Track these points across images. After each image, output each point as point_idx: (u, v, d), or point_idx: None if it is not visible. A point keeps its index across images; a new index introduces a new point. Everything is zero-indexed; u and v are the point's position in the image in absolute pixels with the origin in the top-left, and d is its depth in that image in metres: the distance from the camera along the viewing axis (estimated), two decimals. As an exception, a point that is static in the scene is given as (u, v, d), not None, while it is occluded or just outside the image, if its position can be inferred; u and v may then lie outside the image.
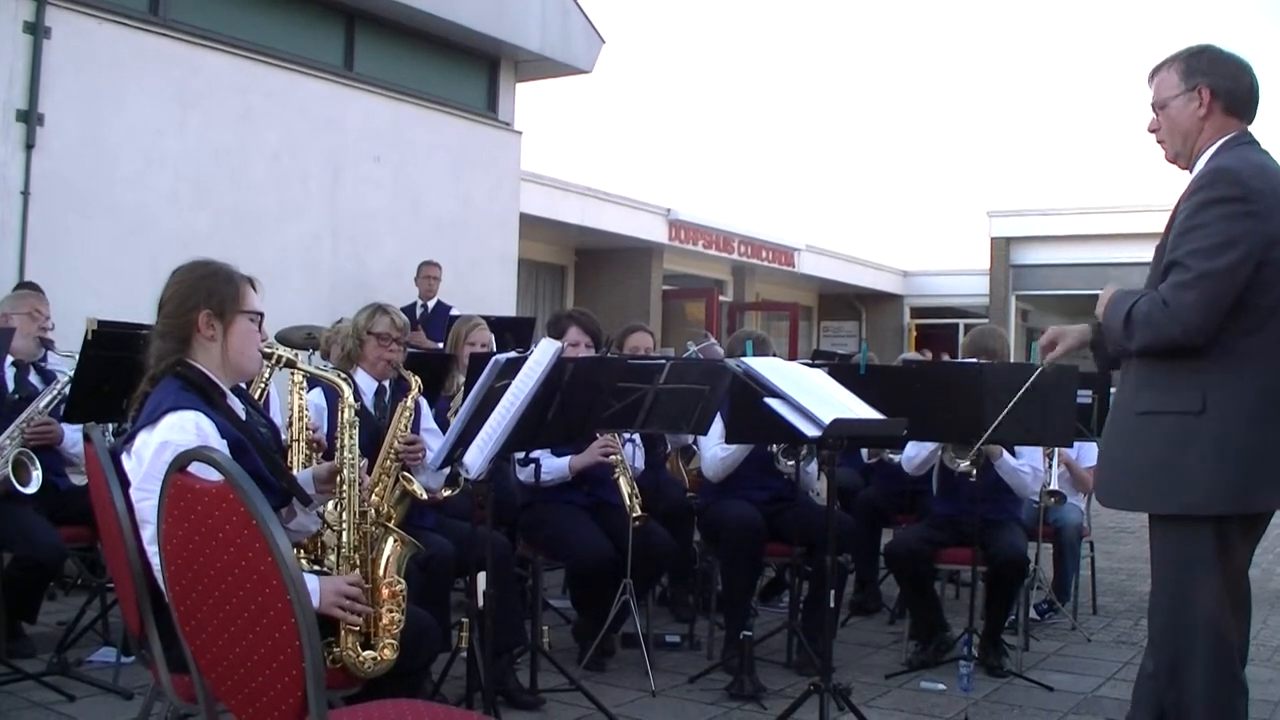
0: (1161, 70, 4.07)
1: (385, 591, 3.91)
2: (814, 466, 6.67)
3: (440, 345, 10.39)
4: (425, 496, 5.51)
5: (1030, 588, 7.08)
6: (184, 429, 3.46)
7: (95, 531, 4.37)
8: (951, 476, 6.78)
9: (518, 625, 5.72)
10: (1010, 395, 5.85)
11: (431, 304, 12.50)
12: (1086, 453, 7.94)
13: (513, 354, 4.92)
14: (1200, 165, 3.93)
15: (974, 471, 6.36)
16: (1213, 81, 3.93)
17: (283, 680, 2.57)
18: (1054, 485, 7.36)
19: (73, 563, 6.88)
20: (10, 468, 5.72)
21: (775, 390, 4.71)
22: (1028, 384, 5.31)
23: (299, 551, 4.09)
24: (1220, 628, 3.79)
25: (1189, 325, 3.69)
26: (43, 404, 5.99)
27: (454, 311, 11.86)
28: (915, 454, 6.90)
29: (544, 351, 4.79)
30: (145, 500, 3.34)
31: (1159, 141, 4.11)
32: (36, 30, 10.44)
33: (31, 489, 5.77)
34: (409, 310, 11.80)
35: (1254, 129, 3.97)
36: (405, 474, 5.44)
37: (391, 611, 3.88)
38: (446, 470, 5.68)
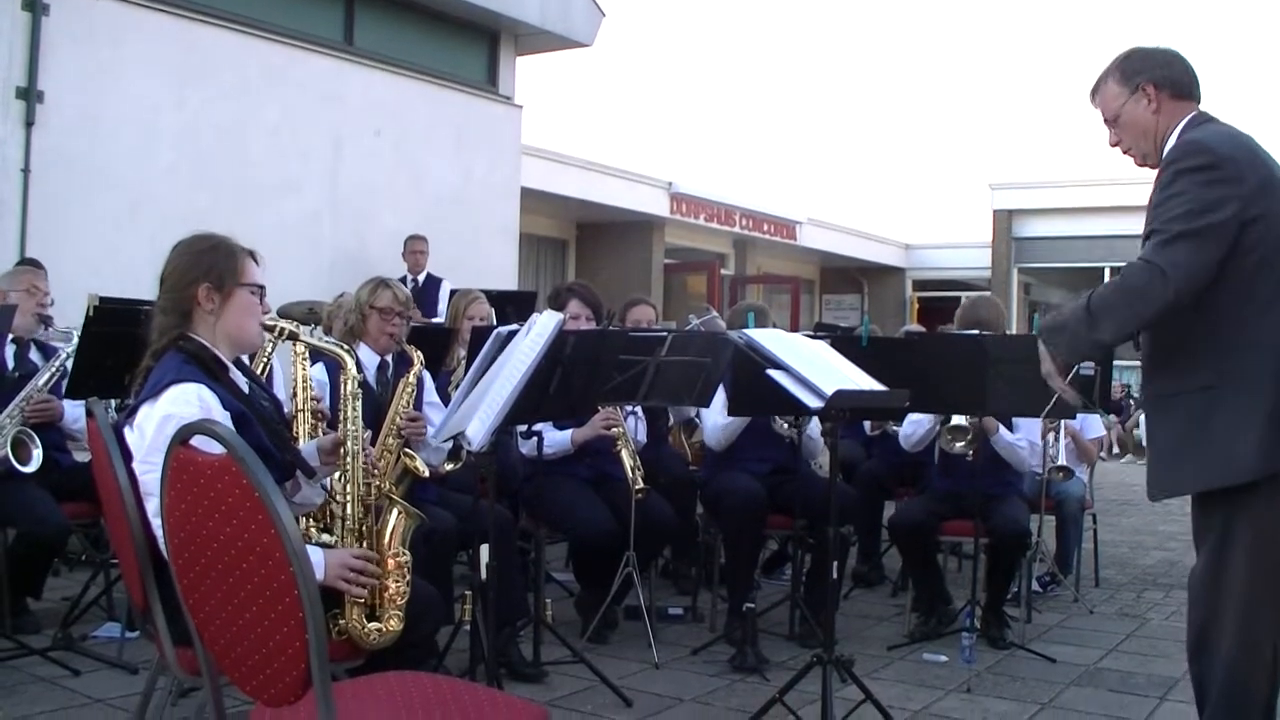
0: (1100, 87, 4.12)
1: (390, 563, 3.92)
2: (816, 429, 6.65)
3: (431, 319, 10.37)
4: (427, 474, 5.51)
5: (1032, 560, 7.10)
6: (186, 401, 3.47)
7: (99, 507, 4.37)
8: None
9: (520, 598, 5.73)
10: (1013, 367, 5.85)
11: (421, 278, 12.47)
12: (1089, 424, 7.95)
13: (514, 327, 4.92)
14: (1169, 147, 3.94)
15: (969, 454, 6.38)
16: (1152, 75, 3.98)
17: (286, 653, 2.57)
18: (1061, 460, 7.36)
19: (77, 539, 6.89)
20: (9, 447, 5.72)
21: (777, 361, 4.70)
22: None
23: (309, 521, 4.10)
24: (1251, 600, 3.80)
25: (1177, 280, 3.64)
26: (41, 381, 5.98)
27: (448, 285, 11.86)
28: (913, 432, 6.89)
29: (546, 323, 4.79)
30: (149, 473, 3.34)
31: (1125, 152, 4.13)
32: (35, 7, 10.38)
33: (32, 468, 5.77)
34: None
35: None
36: (407, 450, 5.43)
37: (396, 583, 3.88)
38: (449, 446, 5.68)
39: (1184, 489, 3.96)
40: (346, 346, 4.35)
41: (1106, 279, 4.04)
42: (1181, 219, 3.70)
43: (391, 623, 3.80)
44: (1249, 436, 3.72)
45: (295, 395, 4.31)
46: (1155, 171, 3.94)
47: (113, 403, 5.97)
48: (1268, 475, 3.75)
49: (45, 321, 6.47)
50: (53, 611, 6.29)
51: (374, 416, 5.31)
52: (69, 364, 5.91)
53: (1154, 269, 3.69)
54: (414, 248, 12.58)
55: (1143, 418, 4.24)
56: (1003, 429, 6.56)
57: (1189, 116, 3.96)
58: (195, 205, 11.04)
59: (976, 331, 6.89)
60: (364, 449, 4.08)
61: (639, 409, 6.65)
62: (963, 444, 6.47)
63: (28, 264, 7.96)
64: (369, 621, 3.77)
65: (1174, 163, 3.80)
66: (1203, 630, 3.91)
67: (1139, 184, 4.00)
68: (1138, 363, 4.11)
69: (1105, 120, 4.12)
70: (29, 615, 6.10)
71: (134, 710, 4.20)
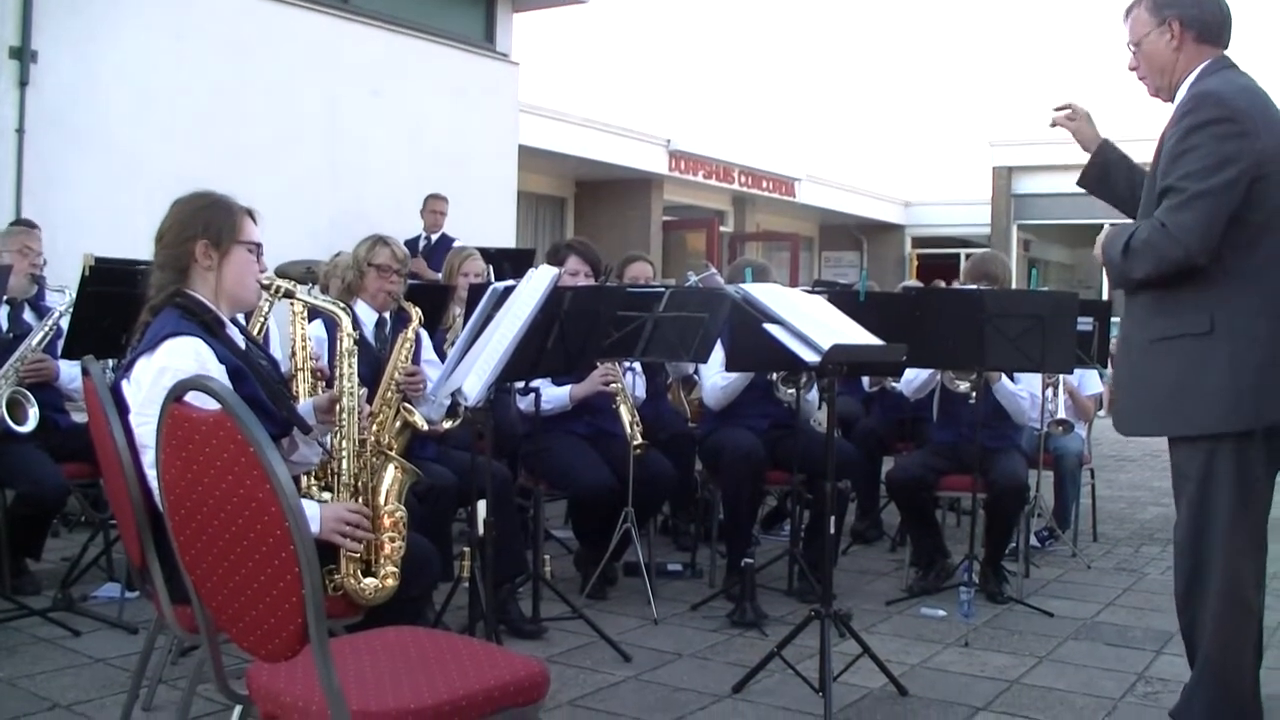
0: (1133, 9, 4.11)
1: (386, 520, 3.92)
2: (814, 395, 6.67)
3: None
4: (426, 428, 5.50)
5: (1031, 515, 7.11)
6: (183, 354, 3.48)
7: (97, 468, 4.37)
8: (952, 404, 6.79)
9: (519, 555, 5.73)
10: (1010, 322, 5.85)
11: (435, 237, 12.46)
12: (1087, 380, 7.96)
13: (510, 283, 4.91)
14: (1181, 94, 3.95)
15: (973, 394, 6.37)
16: (1181, 13, 3.96)
17: (283, 607, 2.58)
18: (1061, 414, 7.37)
19: (75, 499, 6.89)
20: (4, 406, 5.71)
21: (774, 316, 4.69)
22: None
23: (309, 479, 4.11)
24: (1235, 552, 3.84)
25: (1189, 245, 3.72)
26: (35, 340, 5.96)
27: (457, 243, 11.85)
28: (915, 376, 6.91)
29: (541, 278, 4.78)
30: (144, 425, 3.36)
31: (1140, 79, 4.15)
32: (28, -34, 10.35)
33: (28, 428, 5.77)
34: (413, 243, 11.76)
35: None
36: (406, 405, 5.43)
37: (393, 539, 3.89)
38: (448, 402, 5.68)
39: (1170, 431, 3.98)
40: (343, 304, 4.35)
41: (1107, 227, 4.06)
42: (1197, 176, 3.73)
43: (388, 580, 3.81)
44: (1239, 386, 3.74)
45: (294, 354, 4.31)
46: (1159, 117, 3.95)
47: (110, 362, 5.97)
48: (1254, 427, 3.77)
49: (39, 282, 6.45)
50: (52, 572, 6.31)
51: (373, 373, 5.31)
52: (63, 322, 5.89)
53: (1169, 235, 3.75)
54: (433, 207, 12.57)
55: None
56: (1004, 378, 6.56)
57: (1208, 61, 3.94)
58: (191, 165, 10.96)
59: (982, 286, 6.90)
60: (360, 406, 4.08)
61: (637, 365, 6.64)
62: (966, 385, 6.49)
63: (22, 224, 7.94)
64: (365, 577, 3.78)
65: (1188, 115, 3.81)
66: (1190, 582, 3.95)
67: (1139, 141, 4.01)
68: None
69: (1129, 43, 4.11)
70: (29, 576, 6.11)
71: (134, 669, 4.21)
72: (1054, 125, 4.42)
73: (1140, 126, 4.20)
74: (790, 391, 6.55)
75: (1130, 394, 4.07)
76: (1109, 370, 7.83)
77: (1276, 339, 3.77)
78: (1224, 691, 3.90)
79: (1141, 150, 4.16)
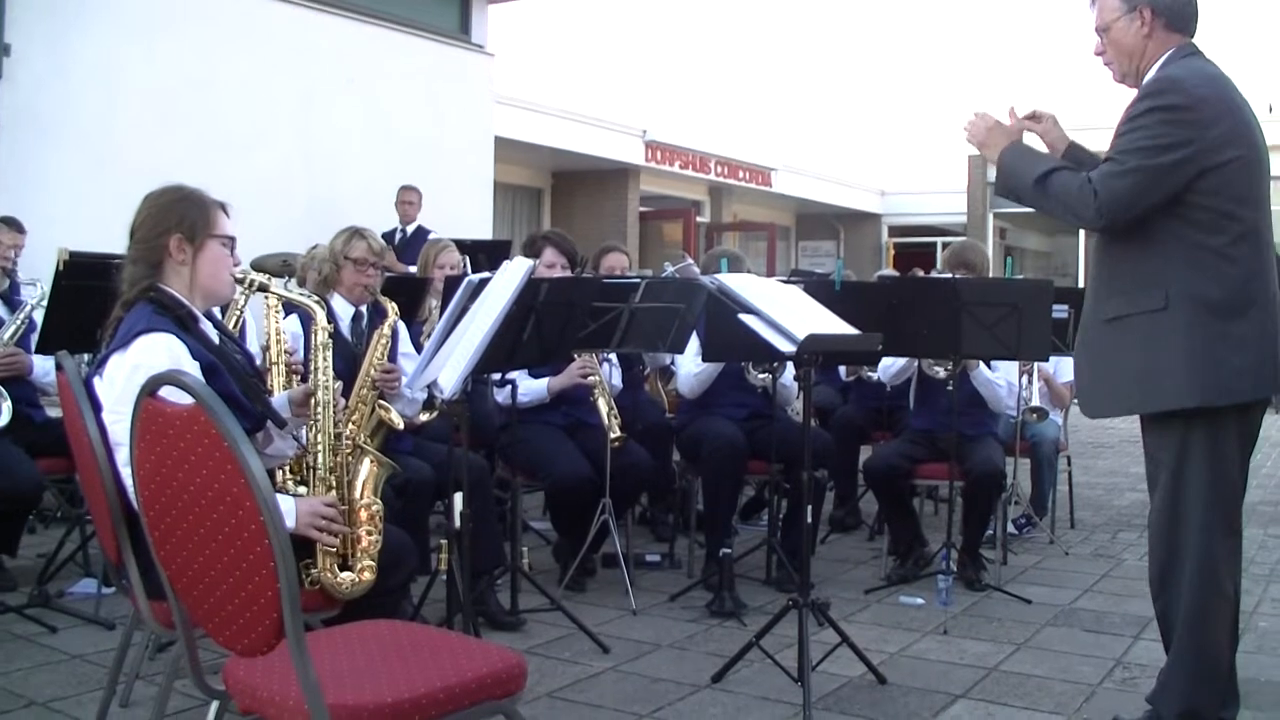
0: None
1: (363, 513, 3.92)
2: (792, 382, 6.66)
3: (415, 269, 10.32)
4: (402, 426, 5.49)
5: (1008, 502, 7.14)
6: (156, 351, 3.47)
7: (73, 463, 4.36)
8: (929, 392, 6.81)
9: (497, 547, 5.74)
10: (986, 310, 5.87)
11: (411, 229, 12.43)
12: (1063, 367, 7.98)
13: (485, 275, 4.90)
14: (1148, 79, 3.97)
15: (950, 381, 6.39)
16: (1154, 1, 3.96)
17: (259, 602, 2.57)
18: (1035, 401, 7.39)
19: (51, 495, 6.87)
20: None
21: (749, 307, 4.69)
22: None
23: (285, 472, 4.10)
24: (1210, 535, 3.86)
25: (1106, 212, 3.82)
26: (7, 335, 5.93)
27: (433, 235, 11.81)
28: (893, 362, 6.93)
29: (516, 270, 4.77)
30: (118, 422, 3.35)
31: (1106, 64, 4.16)
32: (0, -41, 10.28)
33: (2, 422, 5.74)
34: (389, 236, 11.74)
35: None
36: (382, 403, 5.42)
37: (370, 533, 3.88)
38: (424, 396, 5.68)
39: (1134, 409, 4.00)
40: (317, 298, 4.35)
41: (1083, 233, 4.10)
42: (1140, 153, 3.78)
43: (365, 573, 3.80)
44: (1195, 360, 3.76)
45: (269, 348, 4.30)
46: (1131, 92, 3.98)
47: (84, 357, 5.94)
48: (1210, 404, 3.80)
49: (10, 275, 6.42)
50: (28, 569, 6.28)
51: (349, 368, 5.30)
52: (36, 315, 5.86)
53: (1091, 195, 3.82)
54: (403, 198, 12.55)
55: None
56: (982, 364, 6.59)
57: (1175, 48, 3.96)
58: (166, 159, 10.90)
59: (961, 275, 6.93)
60: (335, 400, 4.07)
61: (614, 356, 6.64)
62: (944, 371, 6.51)
63: (2, 223, 7.88)
64: (341, 571, 3.77)
65: (1148, 96, 3.85)
66: (1164, 565, 3.97)
67: (1113, 129, 4.01)
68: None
69: (1096, 28, 4.11)
70: (4, 572, 6.08)
71: (111, 665, 4.20)
72: (1021, 131, 4.41)
73: (1105, 115, 4.21)
74: (763, 376, 6.57)
75: (1092, 375, 4.09)
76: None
77: (1239, 319, 3.78)
78: (1200, 675, 3.92)
79: (1104, 139, 4.18)
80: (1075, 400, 8.49)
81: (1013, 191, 4.13)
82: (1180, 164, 3.73)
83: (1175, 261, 3.81)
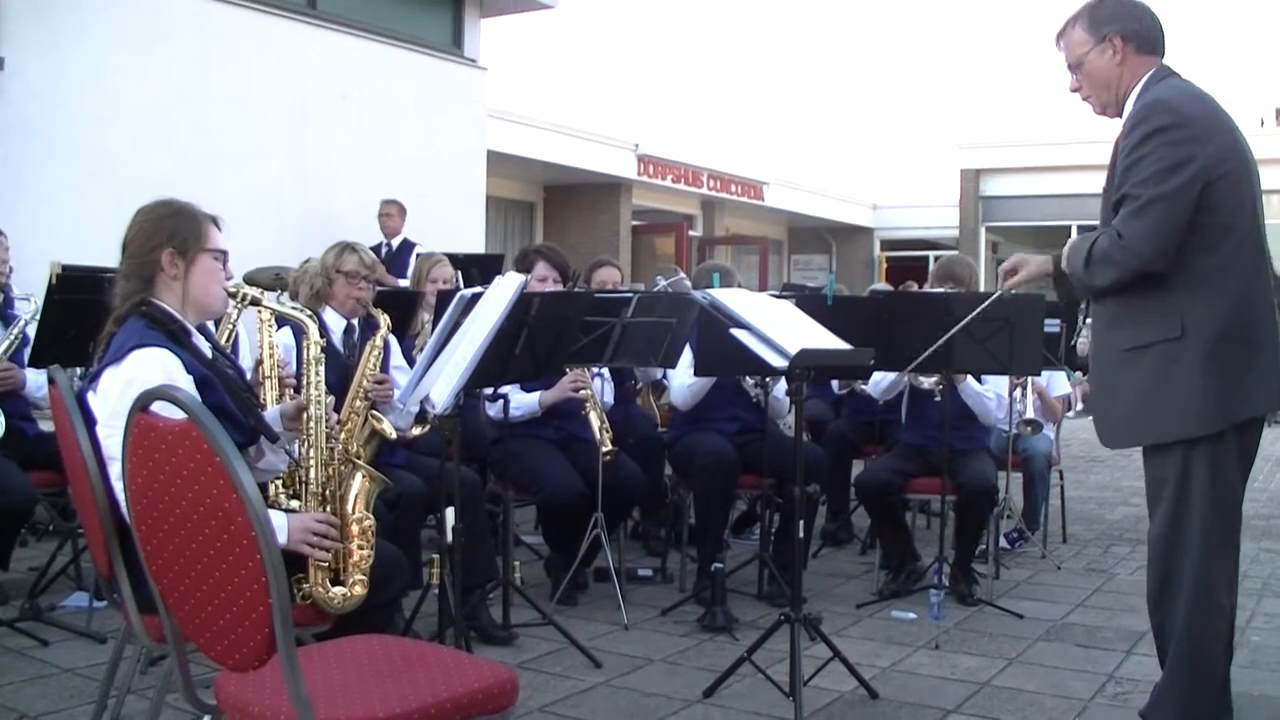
0: (1066, 31, 4.16)
1: (355, 528, 3.91)
2: (782, 389, 6.66)
3: (403, 282, 10.32)
4: (394, 436, 5.50)
5: (1000, 517, 7.13)
6: (149, 365, 3.46)
7: (65, 477, 4.36)
8: (920, 406, 6.82)
9: (489, 561, 5.73)
10: (978, 325, 5.88)
11: (396, 242, 12.40)
12: (1055, 381, 8.01)
13: (477, 289, 4.90)
14: (1130, 106, 3.99)
15: (938, 393, 6.40)
16: (1122, 28, 4.01)
17: (250, 617, 2.57)
18: (1030, 414, 7.40)
19: (44, 508, 6.85)
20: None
21: (741, 321, 4.70)
22: (983, 306, 5.53)
23: (277, 486, 4.10)
24: (1209, 552, 3.87)
25: (1143, 252, 3.78)
26: (0, 349, 5.93)
27: (420, 249, 11.80)
28: (883, 378, 6.94)
29: (508, 285, 4.78)
30: (111, 437, 3.34)
31: (1084, 99, 4.19)
32: (-7, -28, 10.29)
33: (-8, 436, 5.74)
34: (375, 250, 11.71)
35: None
36: (374, 413, 5.42)
37: (362, 548, 3.88)
38: (416, 409, 5.67)
39: (1148, 440, 4.00)
40: (309, 311, 4.35)
41: (1073, 236, 4.12)
42: (1152, 181, 3.78)
43: (356, 588, 3.80)
44: (1209, 388, 3.77)
45: (262, 361, 4.30)
46: (1118, 122, 3.99)
47: (77, 370, 5.93)
48: (1227, 427, 3.81)
49: (4, 290, 6.41)
50: (20, 582, 6.27)
51: (341, 381, 5.30)
52: (29, 330, 5.86)
53: (1125, 245, 3.80)
54: (382, 211, 12.49)
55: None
56: (970, 378, 6.60)
57: (1151, 71, 3.99)
58: (159, 172, 10.90)
59: (949, 288, 6.93)
60: (327, 414, 4.07)
61: (606, 370, 6.65)
62: (930, 382, 6.53)
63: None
64: (333, 586, 3.77)
65: (1141, 124, 3.86)
66: (1162, 581, 3.98)
67: (1107, 143, 4.04)
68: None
69: (1068, 65, 4.14)
70: (-4, 586, 6.08)
71: (103, 679, 4.19)
72: (1047, 261, 4.41)
73: (1102, 126, 4.21)
74: (756, 387, 6.58)
75: (1108, 405, 4.10)
76: (1077, 372, 7.89)
77: (1241, 337, 3.82)
78: (1195, 689, 3.93)
79: (1101, 152, 4.19)
80: (1069, 414, 8.54)
81: (1085, 287, 4.08)
82: (1191, 182, 3.75)
83: (1185, 286, 3.83)
